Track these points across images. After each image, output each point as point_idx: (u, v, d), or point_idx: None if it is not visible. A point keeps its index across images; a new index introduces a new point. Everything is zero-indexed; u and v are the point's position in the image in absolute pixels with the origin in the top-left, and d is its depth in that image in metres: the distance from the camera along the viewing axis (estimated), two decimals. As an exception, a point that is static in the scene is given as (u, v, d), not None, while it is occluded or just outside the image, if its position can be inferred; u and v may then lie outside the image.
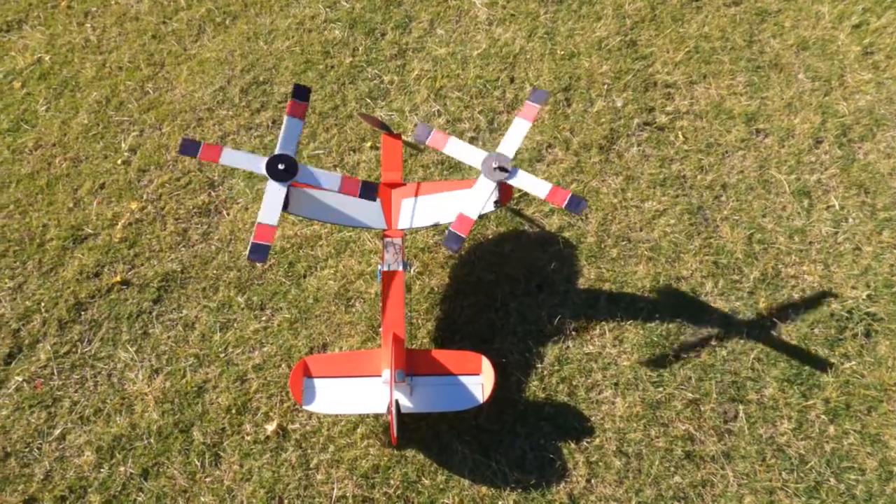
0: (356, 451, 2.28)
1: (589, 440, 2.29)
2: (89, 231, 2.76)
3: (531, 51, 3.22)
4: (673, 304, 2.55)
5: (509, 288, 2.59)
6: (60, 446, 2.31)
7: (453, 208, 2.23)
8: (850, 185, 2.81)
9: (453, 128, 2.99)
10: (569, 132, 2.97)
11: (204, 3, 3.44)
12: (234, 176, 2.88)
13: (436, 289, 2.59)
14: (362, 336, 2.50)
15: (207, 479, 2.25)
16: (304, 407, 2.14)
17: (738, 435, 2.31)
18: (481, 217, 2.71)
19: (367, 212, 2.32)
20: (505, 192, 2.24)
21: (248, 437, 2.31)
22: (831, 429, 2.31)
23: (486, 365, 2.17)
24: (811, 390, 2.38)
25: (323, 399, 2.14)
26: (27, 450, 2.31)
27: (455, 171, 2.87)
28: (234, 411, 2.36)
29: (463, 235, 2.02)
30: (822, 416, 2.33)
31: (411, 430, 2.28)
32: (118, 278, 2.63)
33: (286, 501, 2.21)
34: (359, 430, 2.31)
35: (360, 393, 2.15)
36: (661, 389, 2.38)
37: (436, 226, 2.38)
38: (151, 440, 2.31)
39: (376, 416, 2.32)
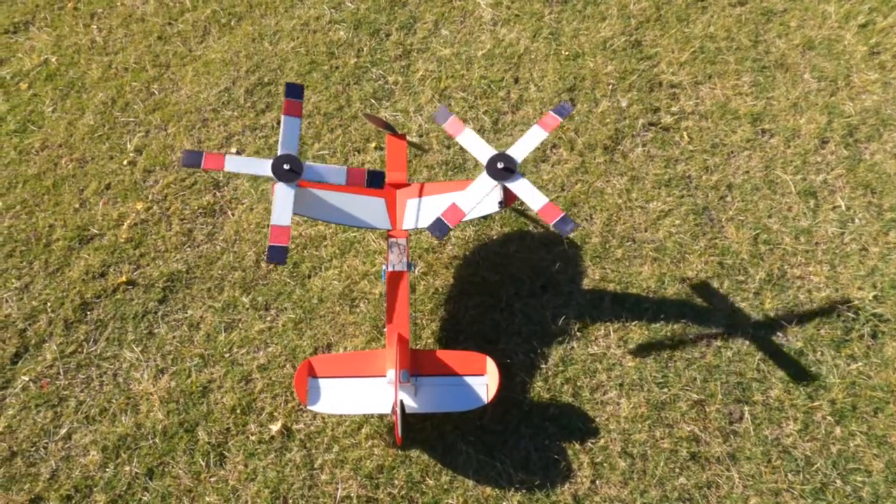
0: (360, 451, 2.28)
1: (593, 441, 2.29)
2: (95, 231, 2.77)
3: (536, 51, 3.22)
4: (678, 304, 2.55)
5: (514, 288, 2.59)
6: (66, 446, 2.32)
7: None
8: (856, 185, 2.80)
9: (458, 128, 2.99)
10: (573, 132, 2.96)
11: (209, 4, 3.46)
12: (238, 177, 2.89)
13: (440, 289, 2.59)
14: (367, 336, 2.50)
15: (212, 479, 2.25)
16: (309, 407, 2.14)
17: (743, 436, 2.30)
18: (485, 218, 2.71)
19: (371, 212, 2.32)
20: (510, 192, 2.23)
21: (253, 437, 2.31)
22: (837, 430, 2.30)
23: (490, 365, 2.17)
24: (817, 391, 2.37)
25: (327, 399, 2.14)
26: (33, 449, 2.32)
27: (459, 172, 2.86)
28: (238, 411, 2.36)
29: (450, 225, 2.00)
30: (829, 418, 2.32)
31: (416, 431, 2.28)
32: (124, 278, 2.64)
33: (290, 501, 2.21)
34: (363, 430, 2.31)
35: (364, 393, 2.15)
36: (666, 390, 2.38)
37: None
38: (156, 440, 2.32)
39: (381, 417, 2.32)
